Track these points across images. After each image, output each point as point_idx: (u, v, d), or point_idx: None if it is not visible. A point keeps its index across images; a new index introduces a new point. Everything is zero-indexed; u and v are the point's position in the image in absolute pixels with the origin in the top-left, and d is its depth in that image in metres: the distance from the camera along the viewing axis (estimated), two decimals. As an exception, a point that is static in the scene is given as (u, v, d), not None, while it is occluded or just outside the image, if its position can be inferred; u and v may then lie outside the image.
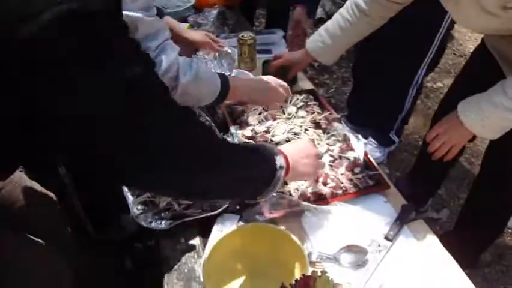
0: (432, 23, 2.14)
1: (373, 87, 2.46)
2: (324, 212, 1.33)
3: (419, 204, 2.25)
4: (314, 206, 1.33)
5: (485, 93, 1.35)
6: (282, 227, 1.26)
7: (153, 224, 1.41)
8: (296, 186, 1.44)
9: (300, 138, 1.64)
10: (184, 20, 2.56)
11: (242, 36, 2.09)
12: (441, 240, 1.35)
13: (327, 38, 1.78)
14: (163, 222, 1.42)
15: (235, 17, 2.74)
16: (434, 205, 2.40)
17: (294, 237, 1.14)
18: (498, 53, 1.53)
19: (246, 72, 2.05)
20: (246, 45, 2.08)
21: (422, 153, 2.25)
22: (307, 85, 2.04)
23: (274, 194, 1.32)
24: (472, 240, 1.92)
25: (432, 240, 1.34)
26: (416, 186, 2.13)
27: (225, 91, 1.49)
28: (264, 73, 1.99)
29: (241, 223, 1.37)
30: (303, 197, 1.40)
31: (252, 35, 2.10)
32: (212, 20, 2.54)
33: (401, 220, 1.35)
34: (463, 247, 1.77)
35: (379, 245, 1.28)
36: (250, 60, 2.13)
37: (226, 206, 1.42)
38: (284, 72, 1.92)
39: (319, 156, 1.32)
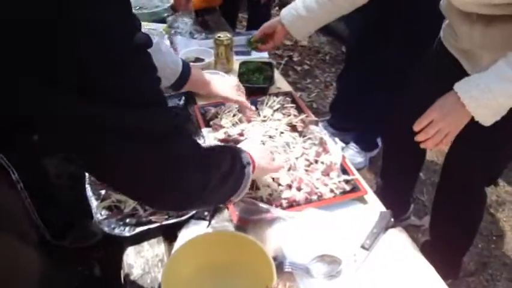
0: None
1: (363, 89, 2.38)
2: (298, 219, 1.25)
3: (400, 211, 2.19)
4: (286, 212, 1.25)
5: (486, 73, 1.23)
6: (250, 236, 1.18)
7: (116, 231, 1.32)
8: (269, 191, 1.36)
9: (275, 141, 1.57)
10: (162, 20, 2.48)
11: (218, 36, 2.01)
12: (422, 249, 1.28)
13: (302, 9, 1.68)
14: (127, 228, 1.33)
15: (216, 19, 2.67)
16: (416, 212, 2.34)
17: (261, 246, 1.06)
18: (462, 50, 1.49)
19: (222, 73, 1.97)
20: (222, 46, 2.01)
21: (386, 155, 2.18)
22: (284, 86, 1.97)
23: (244, 200, 1.24)
24: (448, 247, 1.86)
25: (412, 250, 1.26)
26: (394, 192, 2.07)
27: (187, 74, 1.47)
28: (240, 75, 1.91)
29: (209, 230, 1.29)
30: (276, 202, 1.32)
31: (228, 35, 2.02)
32: (190, 23, 2.47)
33: (379, 228, 1.28)
34: (442, 256, 1.70)
35: (354, 255, 1.20)
36: (227, 62, 2.05)
37: (193, 212, 1.33)
38: (264, 41, 1.86)
39: (271, 150, 1.35)
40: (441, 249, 1.81)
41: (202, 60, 2.11)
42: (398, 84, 2.25)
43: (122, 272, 1.27)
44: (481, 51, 1.41)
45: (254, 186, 1.38)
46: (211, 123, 1.67)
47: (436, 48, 1.65)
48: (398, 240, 1.28)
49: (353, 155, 2.52)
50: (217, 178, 0.96)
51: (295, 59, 3.73)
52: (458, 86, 1.27)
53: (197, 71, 1.55)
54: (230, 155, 1.04)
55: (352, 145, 2.57)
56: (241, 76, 1.90)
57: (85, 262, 1.61)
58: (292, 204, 1.33)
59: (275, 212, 1.24)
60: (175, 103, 1.86)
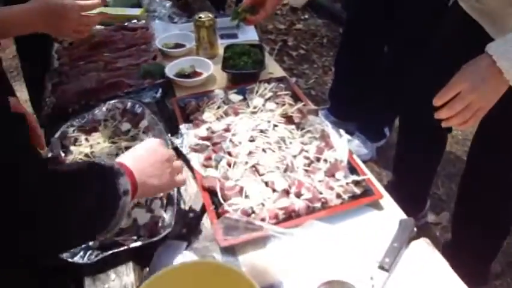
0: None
1: (365, 72, 2.12)
2: (297, 235, 0.99)
3: (416, 209, 1.94)
4: (282, 230, 0.99)
5: None
6: (240, 258, 0.92)
7: (76, 258, 1.07)
8: (261, 200, 1.10)
9: (268, 136, 1.30)
10: (138, 4, 2.21)
11: (199, 17, 1.74)
12: (443, 252, 1.05)
13: None
14: (88, 254, 1.07)
15: (199, 1, 2.39)
16: (432, 207, 2.08)
17: (251, 281, 0.80)
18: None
19: (206, 60, 1.70)
20: (204, 28, 1.74)
21: (400, 147, 1.93)
22: (277, 71, 1.70)
23: (228, 217, 0.98)
24: (475, 250, 1.60)
25: (440, 264, 1.01)
26: (410, 187, 1.81)
27: None
28: (225, 60, 1.65)
29: (188, 254, 1.03)
30: (270, 213, 1.06)
31: (210, 15, 1.75)
32: (168, 5, 2.19)
33: (399, 241, 1.02)
34: (468, 260, 1.45)
35: (371, 278, 0.95)
36: (210, 46, 1.79)
37: (169, 230, 1.08)
38: (253, 11, 1.60)
39: (172, 159, 1.04)
40: (466, 253, 1.55)
41: (183, 46, 1.85)
42: (402, 66, 2.01)
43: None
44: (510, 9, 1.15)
45: (243, 193, 1.12)
46: (191, 117, 1.41)
47: (451, 12, 1.38)
48: (424, 255, 1.03)
49: (358, 145, 2.26)
50: (77, 215, 0.78)
51: (290, 43, 3.47)
52: (493, 48, 0.99)
53: None
54: (99, 183, 0.82)
55: (357, 135, 2.31)
56: (226, 61, 1.64)
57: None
58: (290, 215, 1.08)
59: (268, 228, 0.98)
60: (152, 96, 1.60)
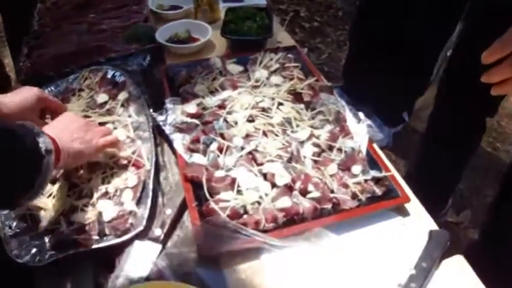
0: None
1: (384, 48, 1.86)
2: (299, 247, 0.77)
3: (437, 205, 1.71)
4: (279, 243, 0.76)
5: None
6: (221, 277, 0.70)
7: (26, 259, 0.86)
8: (256, 197, 0.87)
9: (270, 116, 1.07)
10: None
11: (199, -26, 1.49)
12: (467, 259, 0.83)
13: None
14: (40, 255, 0.86)
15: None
16: (452, 204, 1.84)
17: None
18: None
19: (204, 24, 1.46)
20: (203, -14, 1.49)
21: (428, 136, 1.69)
22: (286, 40, 1.46)
23: (209, 219, 0.76)
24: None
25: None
26: (430, 182, 1.57)
27: None
28: (226, 24, 1.40)
29: (161, 262, 0.81)
30: (267, 215, 0.83)
31: (212, -28, 1.50)
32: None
33: (430, 259, 0.80)
34: (505, 276, 1.21)
35: (394, 308, 0.73)
36: (210, 9, 1.55)
37: (140, 229, 0.86)
38: None
39: (91, 124, 1.00)
40: (505, 267, 1.30)
41: (179, 7, 1.60)
42: (422, 41, 1.75)
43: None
44: None
45: (235, 187, 0.89)
46: (180, 90, 1.17)
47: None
48: (458, 275, 0.81)
49: (374, 130, 2.01)
50: None
51: (302, 14, 3.18)
52: None
53: None
54: (18, 140, 0.74)
55: (372, 118, 2.06)
56: (227, 25, 1.39)
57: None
58: (293, 219, 0.85)
59: (262, 240, 0.75)
60: (139, 63, 1.36)
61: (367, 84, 1.99)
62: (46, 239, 0.90)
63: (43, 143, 0.76)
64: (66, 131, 0.90)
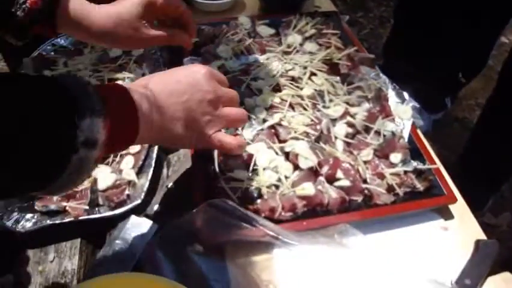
0: None
1: (432, 25, 1.68)
2: (318, 246, 0.63)
3: (476, 204, 1.55)
4: (293, 240, 0.63)
5: None
6: (224, 268, 0.58)
7: (9, 223, 0.78)
8: (274, 180, 0.74)
9: (301, 87, 0.93)
10: None
11: None
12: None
13: None
14: (25, 219, 0.77)
15: None
16: (491, 205, 1.68)
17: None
18: None
19: None
20: None
21: (480, 127, 1.52)
22: (326, 5, 1.31)
23: (213, 201, 0.63)
24: None
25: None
26: (472, 178, 1.41)
27: None
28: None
29: (155, 244, 0.69)
30: (286, 203, 0.70)
31: None
32: None
33: (475, 276, 0.66)
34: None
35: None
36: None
37: (137, 202, 0.75)
38: None
39: (220, 102, 0.66)
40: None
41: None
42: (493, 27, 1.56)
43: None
44: None
45: (251, 165, 0.76)
46: (201, 50, 1.04)
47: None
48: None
49: (412, 115, 1.84)
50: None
51: (345, -14, 3.00)
52: None
53: None
54: (43, 118, 0.45)
55: (411, 101, 1.89)
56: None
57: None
58: (315, 210, 0.72)
59: (274, 232, 0.62)
60: (160, 18, 1.22)
61: (409, 63, 1.81)
62: (34, 203, 0.79)
63: (87, 129, 0.47)
64: (170, 97, 0.60)
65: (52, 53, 1.12)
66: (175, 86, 0.61)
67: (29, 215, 0.78)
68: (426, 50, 1.73)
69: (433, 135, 1.95)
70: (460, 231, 0.75)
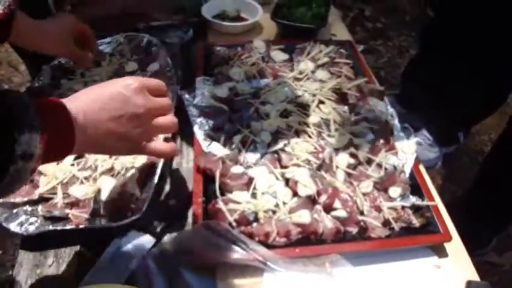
0: None
1: (457, 55, 1.65)
2: (308, 275, 0.64)
3: (479, 242, 1.53)
4: (283, 267, 0.64)
5: None
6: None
7: (12, 225, 0.79)
8: (272, 205, 0.75)
9: (308, 114, 0.95)
10: None
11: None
12: None
13: None
14: (28, 223, 0.80)
15: None
16: (495, 244, 1.66)
17: None
18: None
19: (256, 4, 1.34)
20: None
21: (489, 163, 1.51)
22: (342, 33, 1.32)
23: (209, 223, 0.65)
24: None
25: None
26: (478, 215, 1.40)
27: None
28: (278, 8, 1.28)
29: (150, 258, 0.71)
30: (281, 229, 0.71)
31: None
32: None
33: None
34: None
35: None
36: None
37: (137, 216, 0.76)
38: None
39: (154, 109, 0.68)
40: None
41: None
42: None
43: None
44: None
45: (251, 188, 0.78)
46: (215, 70, 1.07)
47: None
48: None
49: (424, 148, 1.84)
50: None
51: (367, 13, 3.01)
52: None
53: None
54: None
55: (424, 133, 1.88)
56: (279, 9, 1.27)
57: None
58: (308, 238, 0.73)
59: (264, 258, 0.63)
60: (179, 36, 1.27)
61: (426, 94, 1.80)
62: (39, 208, 0.82)
63: (24, 143, 0.51)
64: (103, 112, 0.62)
65: (71, 63, 1.15)
66: (109, 102, 0.63)
67: (32, 219, 0.80)
68: (446, 82, 1.72)
69: (443, 168, 1.95)
70: (452, 271, 0.75)
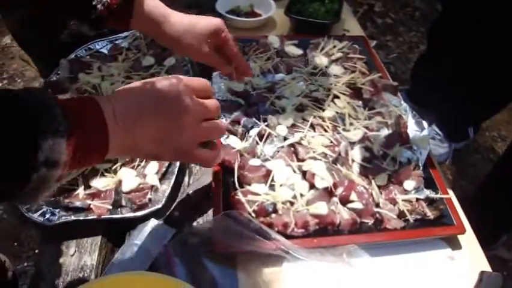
0: None
1: (462, 54, 1.66)
2: (326, 264, 0.66)
3: (491, 237, 1.54)
4: (304, 255, 0.66)
5: None
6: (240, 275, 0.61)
7: (35, 215, 0.81)
8: (290, 197, 0.77)
9: (323, 108, 0.96)
10: None
11: None
12: None
13: None
14: (50, 214, 0.82)
15: None
16: (506, 239, 1.67)
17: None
18: None
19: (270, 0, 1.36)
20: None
21: (505, 161, 1.51)
22: (355, 29, 1.34)
23: (229, 212, 0.67)
24: None
25: None
26: (489, 212, 1.41)
27: None
28: (292, 3, 1.29)
29: (171, 247, 0.73)
30: (298, 219, 0.73)
31: None
32: None
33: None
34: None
35: None
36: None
37: (158, 206, 0.78)
38: None
39: (202, 114, 0.63)
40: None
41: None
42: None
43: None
44: None
45: (269, 180, 0.80)
46: (231, 66, 1.08)
47: None
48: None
49: (434, 143, 1.85)
50: None
51: (377, 9, 3.01)
52: None
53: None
54: (12, 129, 0.46)
55: (434, 129, 1.89)
56: (293, 4, 1.28)
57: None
58: (326, 229, 0.74)
59: (285, 247, 0.65)
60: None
61: (436, 90, 1.81)
62: (61, 198, 0.84)
63: (48, 149, 0.47)
64: (144, 115, 0.58)
65: (88, 57, 1.17)
66: (151, 104, 0.58)
67: (55, 210, 0.82)
68: (455, 78, 1.72)
69: (453, 163, 1.96)
70: (466, 262, 0.76)
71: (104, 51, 1.18)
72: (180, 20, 0.84)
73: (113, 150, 0.55)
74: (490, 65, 1.60)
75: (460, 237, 0.79)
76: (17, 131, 0.46)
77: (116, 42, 1.19)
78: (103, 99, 0.55)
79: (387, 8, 3.04)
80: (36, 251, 1.68)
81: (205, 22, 0.84)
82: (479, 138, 2.13)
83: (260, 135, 0.89)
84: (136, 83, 0.61)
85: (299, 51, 1.15)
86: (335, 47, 1.14)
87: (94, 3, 0.76)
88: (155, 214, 0.79)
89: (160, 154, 0.62)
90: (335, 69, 1.09)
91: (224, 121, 0.91)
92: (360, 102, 1.00)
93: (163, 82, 0.60)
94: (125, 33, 1.21)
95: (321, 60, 1.10)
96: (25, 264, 1.61)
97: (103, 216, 0.79)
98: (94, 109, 0.54)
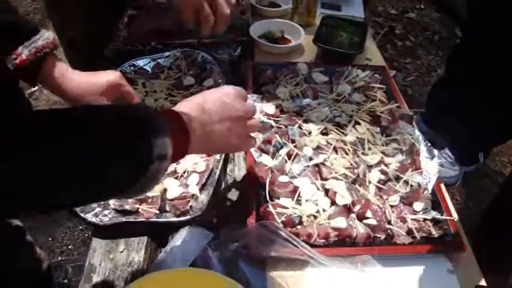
0: None
1: (480, 81, 1.73)
2: (344, 270, 0.78)
3: (501, 268, 1.62)
4: (326, 261, 0.78)
5: None
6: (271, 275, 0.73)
7: (88, 215, 0.93)
8: (314, 212, 0.89)
9: (345, 133, 1.08)
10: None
11: (303, -24, 1.51)
12: None
13: None
14: (102, 214, 0.94)
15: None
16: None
17: None
18: None
19: (299, 27, 1.48)
20: (305, -9, 1.51)
21: (507, 186, 1.59)
22: (377, 59, 1.45)
23: (264, 222, 0.79)
24: None
25: None
26: (495, 236, 1.49)
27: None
28: (319, 33, 1.41)
29: (209, 249, 0.85)
30: (321, 232, 0.85)
31: (317, -24, 1.51)
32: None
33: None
34: None
35: None
36: (307, 13, 1.56)
37: (199, 213, 0.90)
38: None
39: (246, 115, 0.83)
40: None
41: (278, 6, 1.64)
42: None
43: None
44: None
45: (295, 196, 0.92)
46: (263, 88, 1.21)
47: None
48: None
49: (445, 165, 1.95)
50: (88, 169, 0.56)
51: (397, 31, 3.12)
52: None
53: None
54: (125, 137, 0.60)
55: (446, 153, 1.99)
56: (320, 34, 1.41)
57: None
58: (344, 241, 0.86)
59: (310, 252, 0.77)
60: (229, 53, 1.40)
61: (450, 115, 1.89)
62: (112, 201, 0.96)
63: (159, 146, 0.61)
64: (207, 116, 0.75)
65: (132, 73, 1.28)
66: (212, 107, 0.76)
67: (106, 211, 0.94)
68: (470, 104, 1.79)
69: (462, 186, 2.05)
70: (463, 276, 0.86)
71: (148, 68, 1.30)
72: (77, 85, 0.97)
73: (191, 144, 0.71)
74: (504, 92, 1.68)
75: (459, 256, 0.89)
76: (139, 135, 0.60)
77: (159, 60, 1.31)
78: (175, 108, 0.74)
79: (407, 31, 3.15)
80: (70, 246, 1.82)
81: (100, 80, 0.99)
82: (490, 162, 2.22)
83: (289, 155, 1.01)
84: (199, 94, 0.80)
85: (325, 78, 1.27)
86: (357, 75, 1.26)
87: (6, 62, 0.90)
88: (195, 220, 0.91)
89: (223, 145, 0.81)
90: (357, 96, 1.20)
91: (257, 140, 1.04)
92: (378, 129, 1.11)
93: (220, 90, 0.82)
94: (167, 53, 1.33)
95: (344, 87, 1.22)
96: (59, 258, 1.75)
97: (150, 219, 0.91)
98: (176, 115, 0.70)
